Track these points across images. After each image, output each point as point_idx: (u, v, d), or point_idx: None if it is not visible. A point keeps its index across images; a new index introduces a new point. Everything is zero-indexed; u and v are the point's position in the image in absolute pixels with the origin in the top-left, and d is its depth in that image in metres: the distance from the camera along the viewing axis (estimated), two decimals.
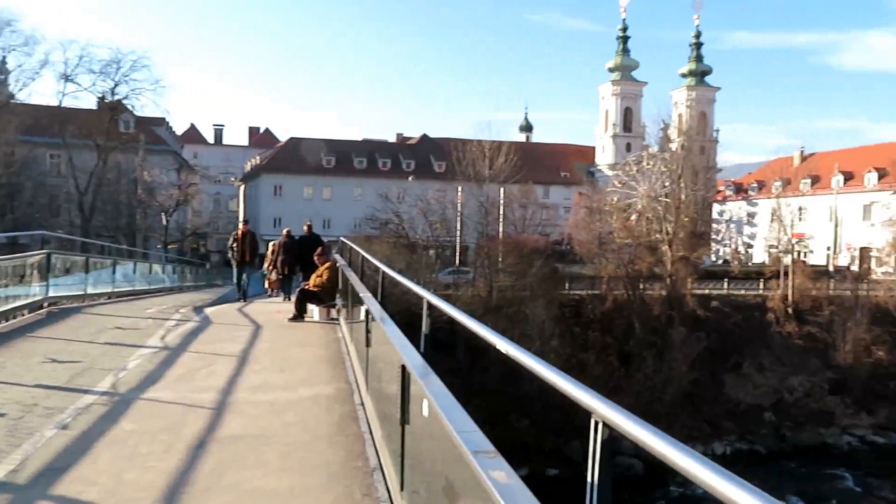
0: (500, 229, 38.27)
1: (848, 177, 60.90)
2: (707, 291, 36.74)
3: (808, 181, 65.44)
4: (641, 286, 34.39)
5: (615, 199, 48.88)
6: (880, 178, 56.94)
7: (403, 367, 3.18)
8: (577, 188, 64.80)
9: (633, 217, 44.22)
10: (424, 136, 71.04)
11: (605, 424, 1.45)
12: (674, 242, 35.65)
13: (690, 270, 36.79)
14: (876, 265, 44.21)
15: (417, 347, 3.42)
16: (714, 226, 63.55)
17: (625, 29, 78.57)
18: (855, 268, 49.59)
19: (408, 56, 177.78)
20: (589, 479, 1.47)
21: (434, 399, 2.40)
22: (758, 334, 33.95)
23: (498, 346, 2.30)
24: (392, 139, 75.00)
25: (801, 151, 71.66)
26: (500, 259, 33.62)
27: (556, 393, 1.75)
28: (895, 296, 35.01)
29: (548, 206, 58.76)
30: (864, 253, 51.95)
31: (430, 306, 3.67)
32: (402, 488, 3.33)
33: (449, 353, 21.83)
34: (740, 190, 74.73)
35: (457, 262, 38.57)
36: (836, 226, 55.71)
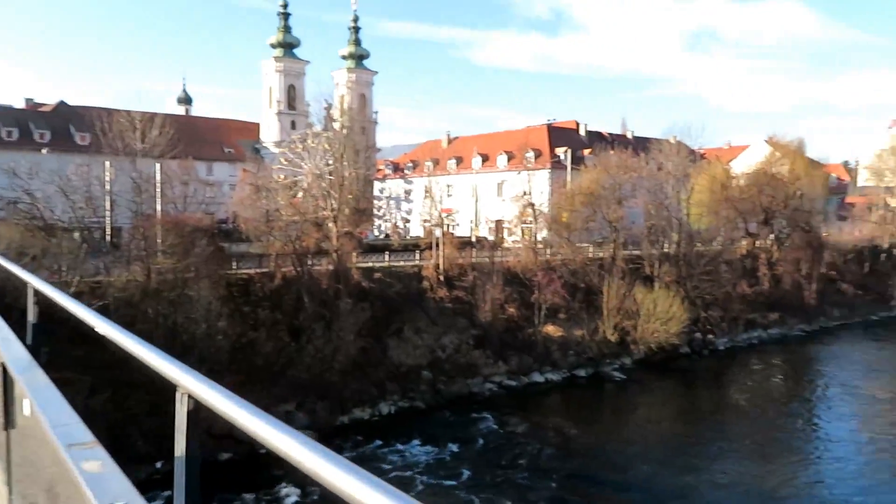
0: (158, 208, 35.48)
1: (485, 158, 69.60)
2: (371, 264, 39.02)
3: (454, 162, 73.26)
4: (309, 262, 35.07)
5: (281, 176, 48.81)
6: (509, 160, 66.19)
7: (3, 366, 2.77)
8: (241, 165, 63.16)
9: (300, 194, 44.68)
10: (61, 104, 62.12)
11: (190, 396, 1.44)
12: (339, 218, 36.98)
13: (355, 245, 38.60)
14: (508, 235, 51.45)
15: (24, 340, 3.01)
16: (376, 202, 67.45)
17: (285, 6, 78.13)
18: (492, 238, 57.13)
19: (37, 10, 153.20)
20: (177, 453, 1.44)
21: (34, 396, 2.15)
22: (416, 301, 37.22)
23: (97, 328, 2.13)
24: (20, 104, 64.11)
25: (448, 135, 79.84)
26: (158, 240, 31.22)
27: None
28: (521, 261, 41.30)
29: (211, 183, 56.19)
30: (499, 225, 60.09)
31: (37, 292, 3.24)
32: (9, 502, 2.94)
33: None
34: (398, 169, 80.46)
35: (108, 244, 34.83)
36: (477, 201, 63.39)
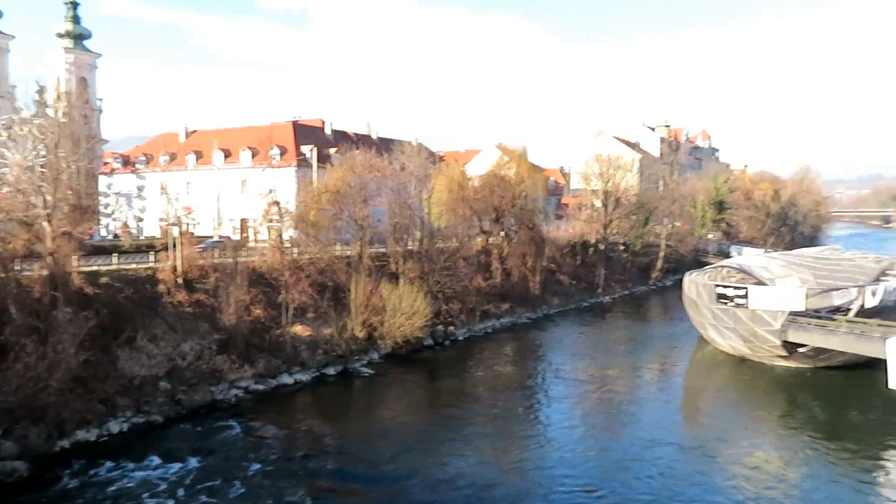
0: None
1: (227, 154, 66.44)
2: (96, 268, 35.11)
3: (193, 157, 68.83)
4: (17, 267, 30.50)
5: None
6: (253, 156, 64.01)
7: None
8: None
9: (5, 189, 38.59)
10: None
11: None
12: (54, 217, 32.59)
13: (76, 246, 34.34)
14: (252, 234, 49.72)
15: None
16: (102, 199, 60.83)
17: None
18: (236, 237, 54.76)
19: None
20: None
21: None
22: (150, 306, 34.28)
23: None
24: None
25: (186, 128, 74.79)
26: None
27: None
28: (267, 261, 40.19)
29: None
30: (243, 223, 57.83)
31: None
32: None
33: None
34: (128, 163, 73.48)
35: None
36: (219, 199, 60.31)
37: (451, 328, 46.72)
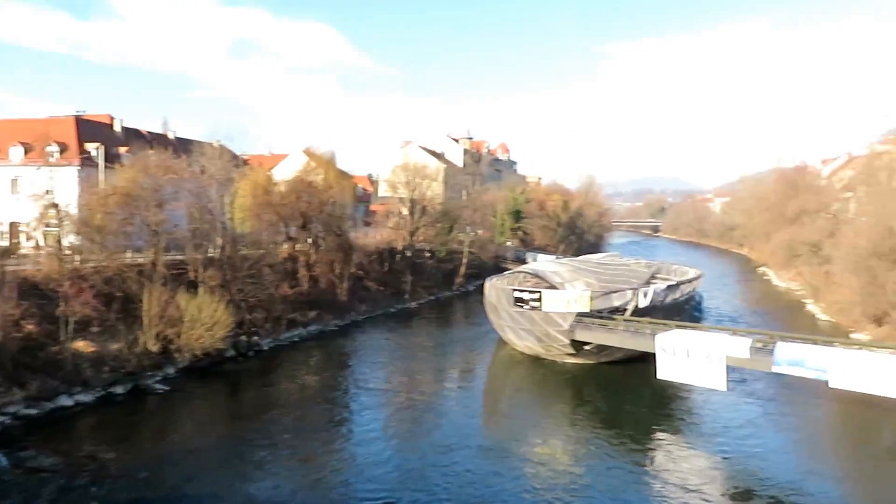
0: None
1: None
2: None
3: None
4: None
5: None
6: (27, 152, 57.04)
7: None
8: None
9: None
10: None
11: None
12: None
13: None
14: (25, 239, 44.25)
15: None
16: None
17: None
18: (4, 243, 48.41)
19: None
20: None
21: None
22: None
23: None
24: None
25: None
26: None
27: None
28: (43, 269, 35.96)
29: None
30: (13, 228, 51.29)
31: None
32: None
33: None
34: None
35: None
36: None
37: (256, 338, 45.00)
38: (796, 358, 28.16)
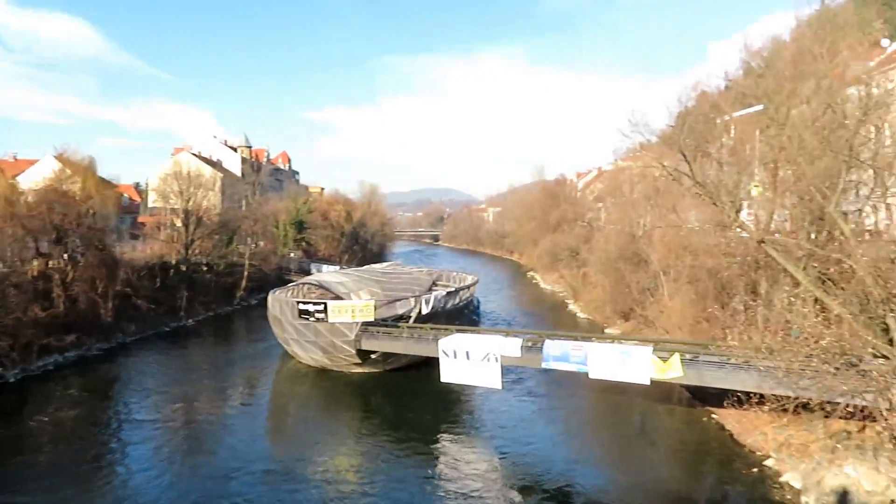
0: None
1: None
2: None
3: None
4: None
5: None
6: None
7: None
8: None
9: None
10: None
11: None
12: None
13: None
14: None
15: None
16: None
17: None
18: None
19: None
20: None
21: None
22: None
23: None
24: None
25: None
26: None
27: None
28: None
29: None
30: None
31: None
32: None
33: None
34: None
35: None
36: None
37: (0, 370, 39.20)
38: (561, 354, 30.88)
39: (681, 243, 43.89)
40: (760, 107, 37.85)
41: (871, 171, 24.36)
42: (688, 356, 28.69)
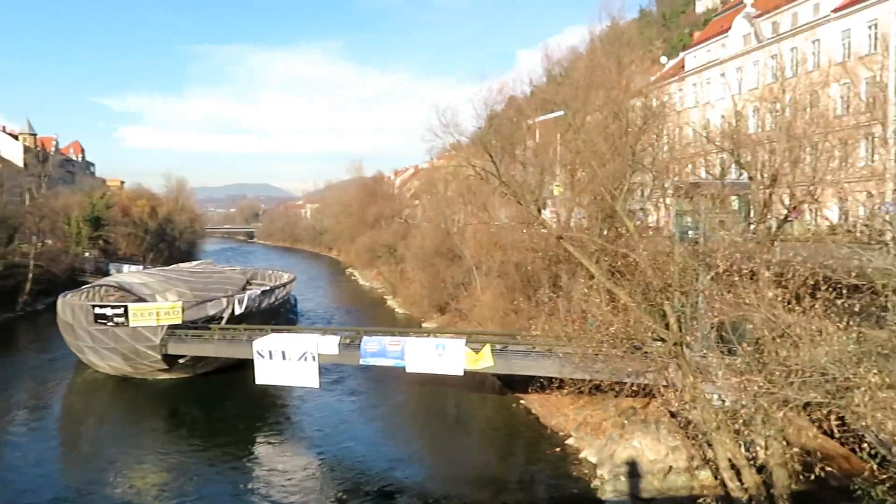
0: None
1: None
2: None
3: None
4: None
5: None
6: None
7: None
8: None
9: None
10: None
11: None
12: None
13: None
14: None
15: None
16: None
17: None
18: None
19: None
20: None
21: None
22: None
23: None
24: None
25: None
26: None
27: None
28: None
29: None
30: None
31: None
32: None
33: None
34: None
35: None
36: None
37: None
38: (378, 349, 31.16)
39: (491, 239, 46.19)
40: (561, 113, 40.91)
41: (651, 175, 27.25)
42: (498, 346, 30.27)
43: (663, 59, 72.40)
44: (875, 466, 14.37)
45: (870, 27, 43.21)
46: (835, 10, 46.05)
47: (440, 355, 29.86)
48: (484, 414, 35.24)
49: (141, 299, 42.19)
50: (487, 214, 45.24)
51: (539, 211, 29.58)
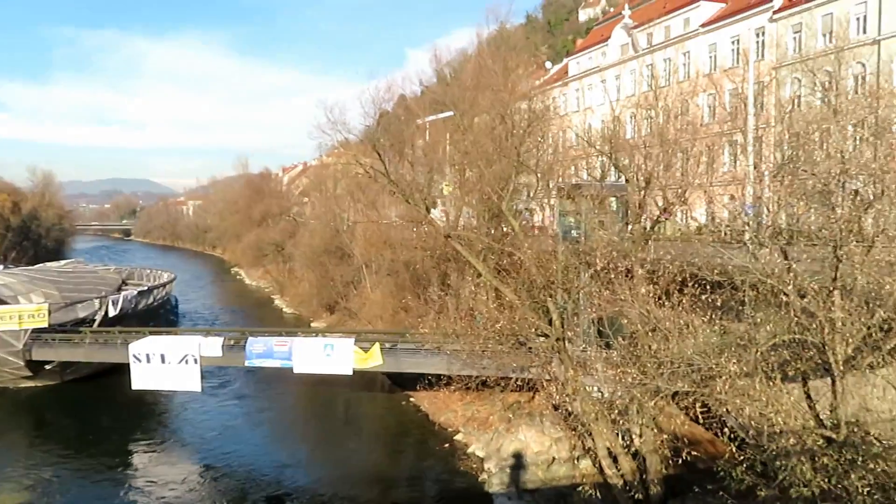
0: None
1: None
2: None
3: None
4: None
5: None
6: None
7: None
8: None
9: None
10: None
11: None
12: None
13: None
14: None
15: None
16: None
17: None
18: None
19: None
20: None
21: None
22: None
23: None
24: None
25: None
26: None
27: None
28: None
29: None
30: None
31: None
32: None
33: None
34: None
35: None
36: None
37: None
38: (265, 350, 30.32)
39: (381, 238, 46.11)
40: (450, 113, 41.42)
41: (536, 176, 28.15)
42: (387, 345, 30.26)
43: (548, 65, 74.97)
44: (734, 449, 15.53)
45: (733, 42, 46.67)
46: (703, 25, 49.36)
47: (329, 355, 29.48)
48: (374, 413, 35.15)
49: (3, 301, 38.94)
50: (377, 213, 45.15)
51: (428, 210, 29.89)
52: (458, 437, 29.61)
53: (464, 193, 35.35)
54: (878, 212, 13.94)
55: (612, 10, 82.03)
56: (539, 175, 29.02)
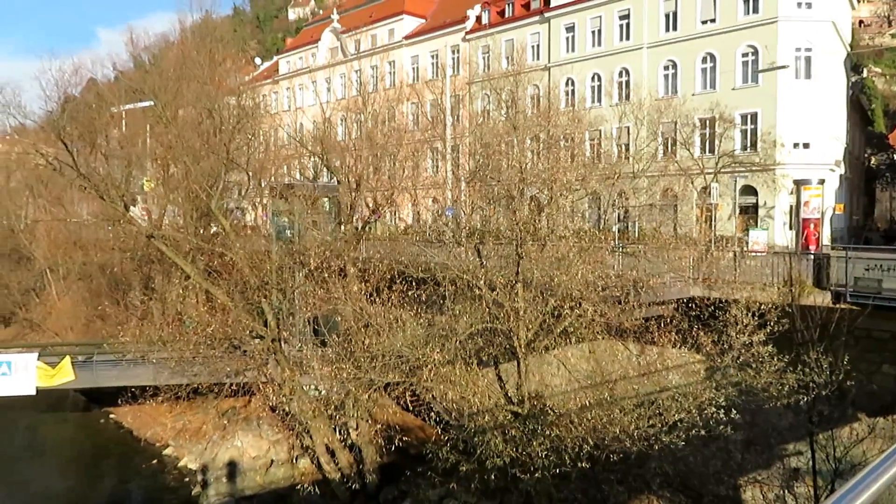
0: None
1: None
2: None
3: None
4: None
5: None
6: None
7: None
8: None
9: None
10: None
11: None
12: None
13: None
14: None
15: None
16: None
17: None
18: None
19: None
20: None
21: None
22: None
23: None
24: None
25: None
26: None
27: None
28: None
29: None
30: None
31: None
32: None
33: None
34: None
35: None
36: None
37: None
38: None
39: (70, 238, 41.10)
40: (150, 103, 38.37)
41: (247, 174, 27.56)
42: (80, 358, 27.11)
43: (258, 61, 73.39)
44: (440, 431, 17.09)
45: (433, 56, 50.53)
46: (406, 38, 52.60)
47: (5, 374, 25.53)
48: (65, 435, 31.27)
49: None
50: (64, 210, 40.02)
51: (127, 208, 27.42)
52: (168, 451, 27.77)
53: (168, 190, 33.11)
54: (549, 215, 16.43)
55: (321, 12, 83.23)
56: (250, 173, 28.41)
